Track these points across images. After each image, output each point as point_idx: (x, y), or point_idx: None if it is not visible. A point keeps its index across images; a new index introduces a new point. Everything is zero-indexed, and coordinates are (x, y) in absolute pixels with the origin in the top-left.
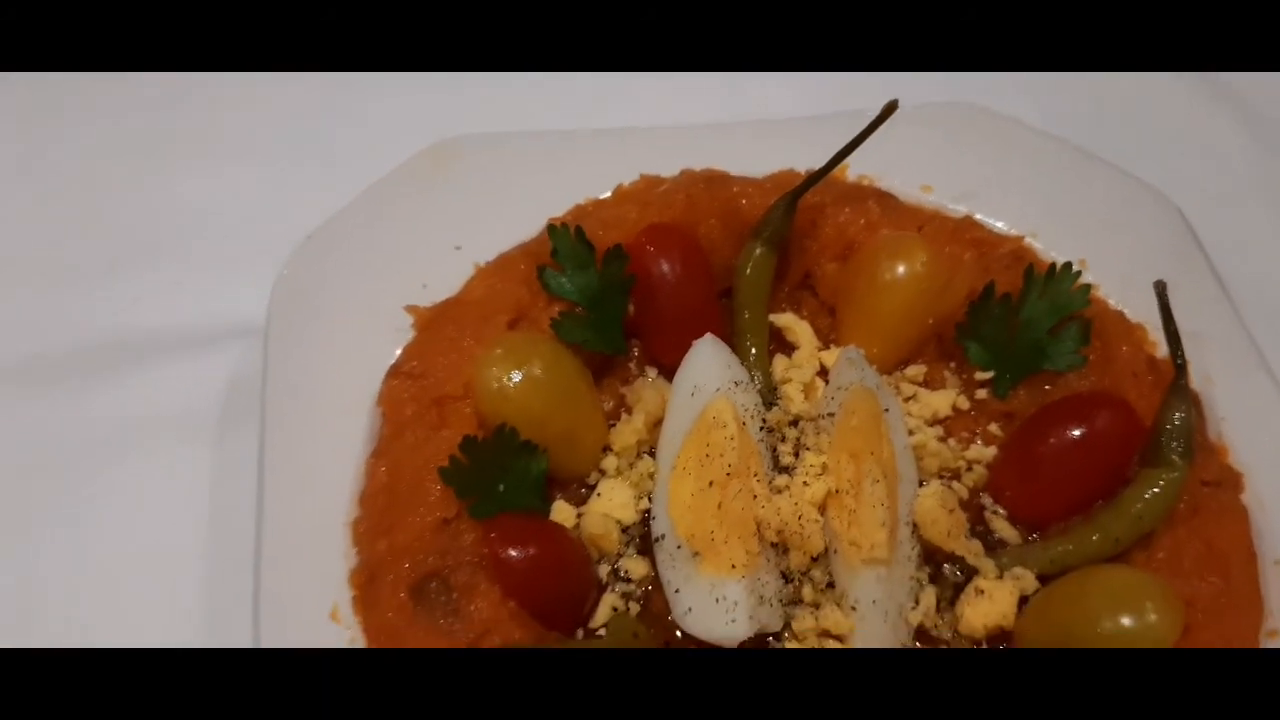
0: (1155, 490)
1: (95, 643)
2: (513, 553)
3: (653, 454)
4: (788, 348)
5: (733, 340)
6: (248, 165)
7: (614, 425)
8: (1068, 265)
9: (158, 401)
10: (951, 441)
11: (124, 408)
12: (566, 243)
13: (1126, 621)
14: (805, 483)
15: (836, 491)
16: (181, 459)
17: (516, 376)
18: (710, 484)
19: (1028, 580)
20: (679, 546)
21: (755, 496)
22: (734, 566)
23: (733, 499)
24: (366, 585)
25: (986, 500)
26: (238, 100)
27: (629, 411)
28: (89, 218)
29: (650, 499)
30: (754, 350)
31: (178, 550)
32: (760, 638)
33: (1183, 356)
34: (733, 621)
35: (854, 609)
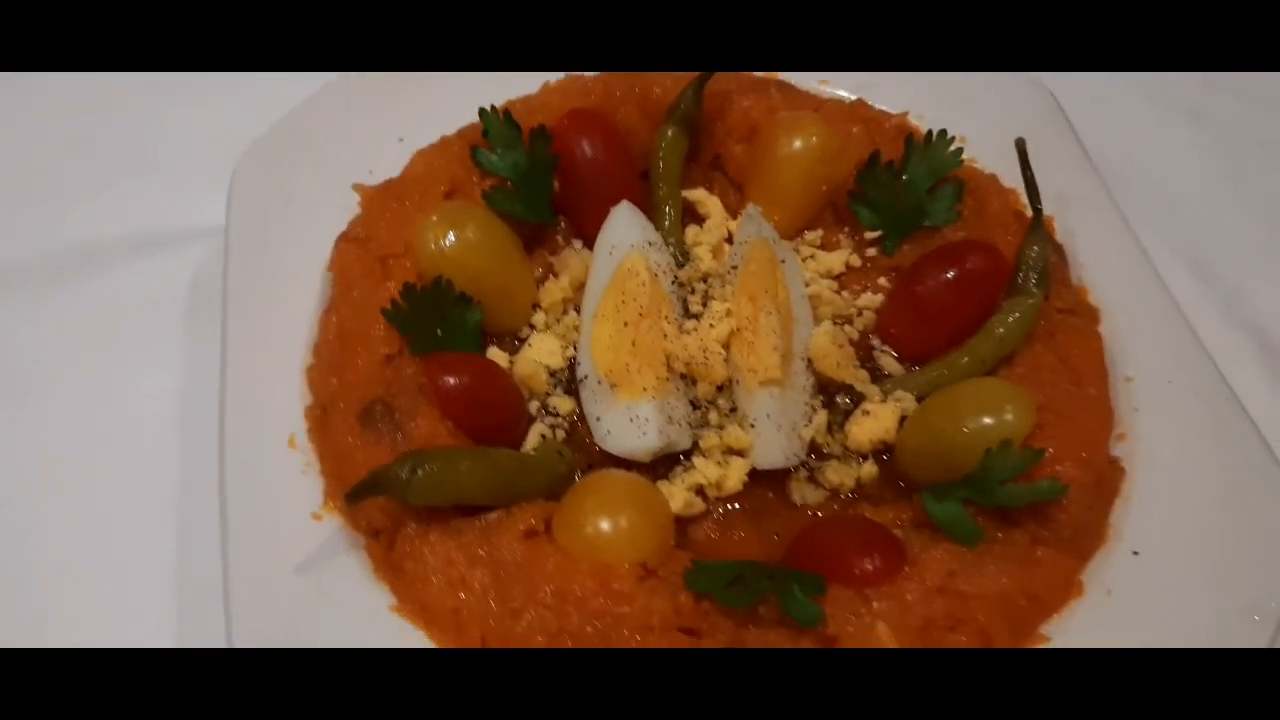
0: (1015, 316)
1: (74, 502)
2: (450, 379)
3: (578, 311)
4: (700, 220)
5: (650, 213)
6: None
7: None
8: (943, 132)
9: (132, 293)
10: (845, 293)
11: (101, 299)
12: (496, 124)
13: (988, 420)
14: (711, 324)
15: (738, 330)
16: (156, 340)
17: (452, 237)
18: (625, 325)
19: (908, 401)
20: (599, 381)
21: (666, 335)
22: (645, 390)
23: (644, 335)
24: (320, 418)
25: (875, 341)
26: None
27: (556, 276)
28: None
29: (575, 348)
30: (668, 220)
31: (152, 415)
32: (672, 456)
33: (1039, 202)
34: (644, 435)
35: (752, 426)
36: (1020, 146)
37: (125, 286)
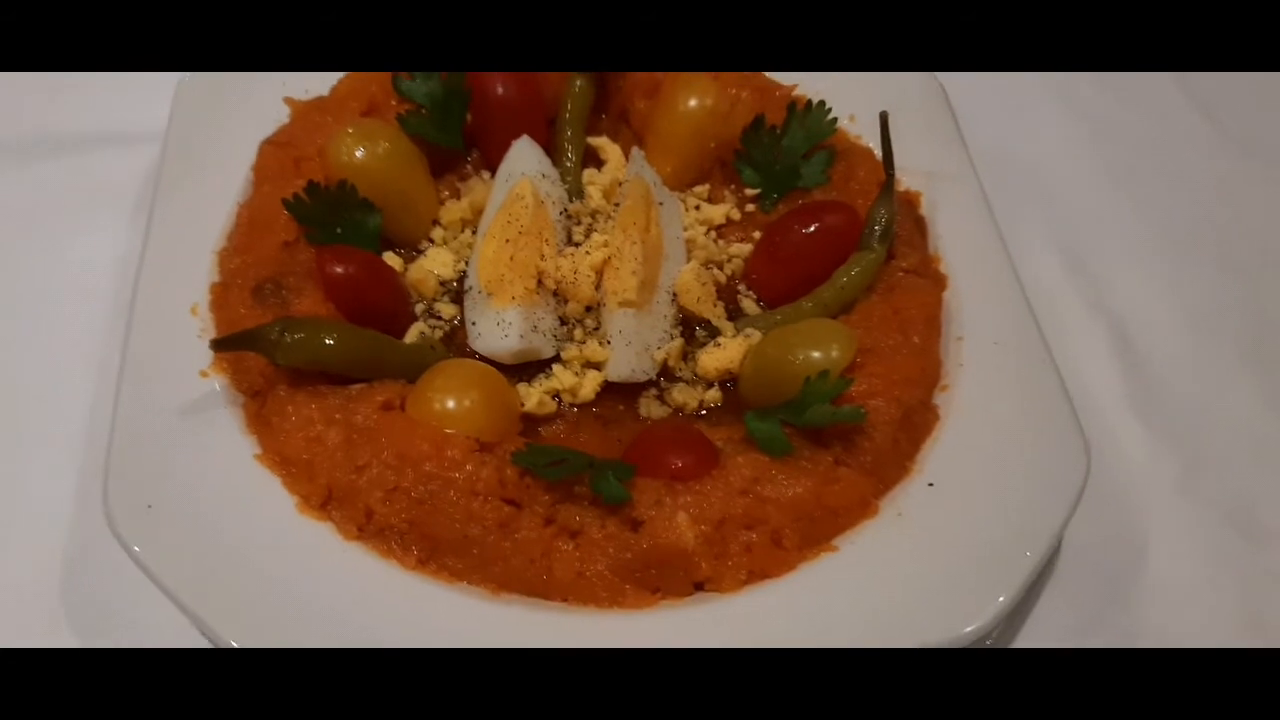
0: (856, 269)
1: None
2: (337, 268)
3: (475, 232)
4: (601, 165)
5: (554, 155)
6: None
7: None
8: (822, 103)
9: (73, 186)
10: (720, 242)
11: (42, 190)
12: None
13: (815, 354)
14: (587, 252)
15: (610, 259)
16: (97, 224)
17: (361, 148)
18: (507, 241)
19: (756, 337)
20: (480, 292)
21: (543, 256)
22: (514, 299)
23: (521, 251)
24: (222, 293)
25: (741, 286)
26: None
27: (461, 199)
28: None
29: (467, 264)
30: (569, 162)
31: (90, 289)
32: (538, 364)
33: (892, 168)
34: (505, 337)
35: (609, 343)
36: (883, 118)
37: (75, 171)
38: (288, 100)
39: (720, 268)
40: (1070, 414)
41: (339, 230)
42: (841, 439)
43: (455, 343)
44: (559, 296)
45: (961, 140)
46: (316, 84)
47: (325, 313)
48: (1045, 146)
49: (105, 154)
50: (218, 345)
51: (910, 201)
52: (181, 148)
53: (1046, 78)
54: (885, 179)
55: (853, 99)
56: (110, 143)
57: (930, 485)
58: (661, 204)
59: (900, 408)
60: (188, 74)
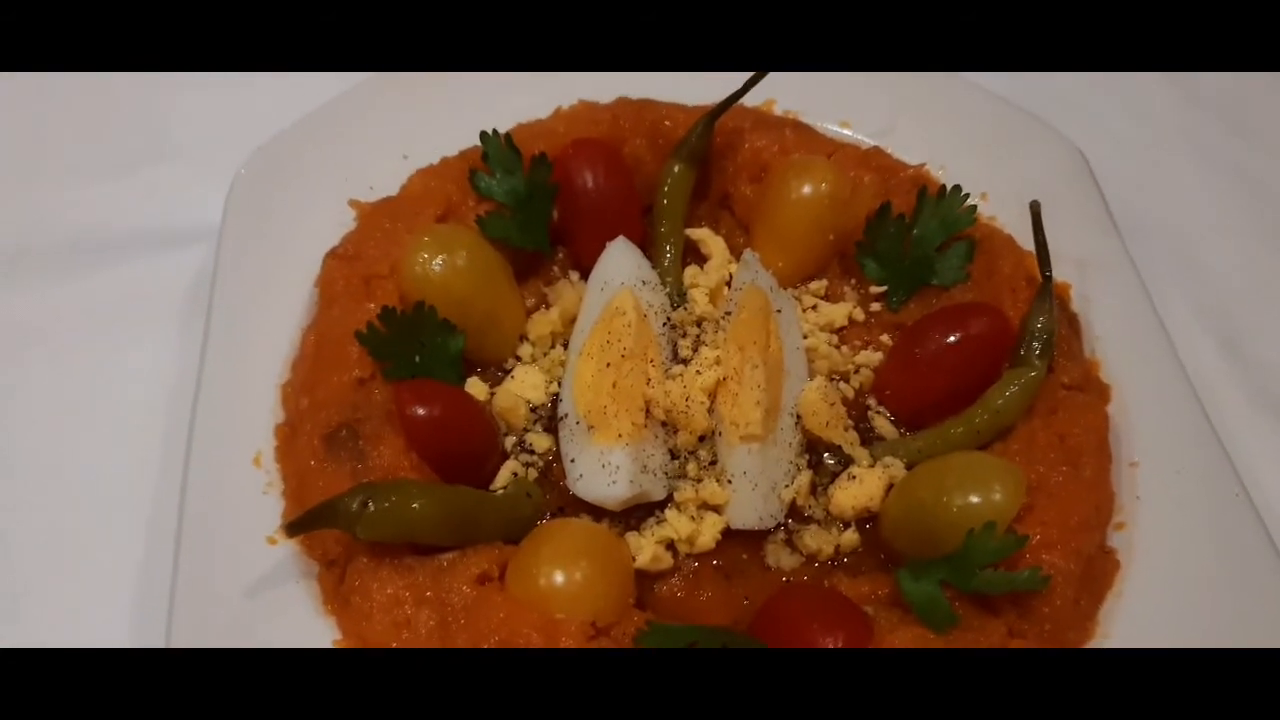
0: (1014, 387)
1: (51, 486)
2: (419, 409)
3: (567, 346)
4: (702, 260)
5: (649, 250)
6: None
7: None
8: (957, 188)
9: (124, 294)
10: (845, 348)
11: (93, 299)
12: (496, 148)
13: (974, 498)
14: (698, 371)
15: (724, 380)
16: (148, 336)
17: (439, 260)
18: (608, 365)
19: (897, 468)
20: (578, 422)
21: (649, 379)
22: (620, 436)
23: (626, 377)
24: (289, 437)
25: (871, 401)
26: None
27: (549, 308)
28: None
29: (559, 384)
30: (668, 259)
31: (139, 410)
32: (645, 505)
33: (1049, 269)
34: (613, 483)
35: (730, 482)
36: (1034, 210)
37: (125, 280)
38: (352, 203)
39: (846, 379)
40: (1276, 563)
41: (417, 360)
42: (1013, 602)
43: (550, 479)
44: (667, 426)
45: (1111, 219)
46: (383, 182)
47: (407, 461)
48: (1188, 211)
49: (153, 256)
50: (293, 529)
51: (1060, 296)
52: (236, 255)
53: (1174, 128)
54: (1041, 280)
55: (982, 173)
56: (159, 243)
57: None
58: (779, 311)
59: (1080, 560)
60: (243, 168)
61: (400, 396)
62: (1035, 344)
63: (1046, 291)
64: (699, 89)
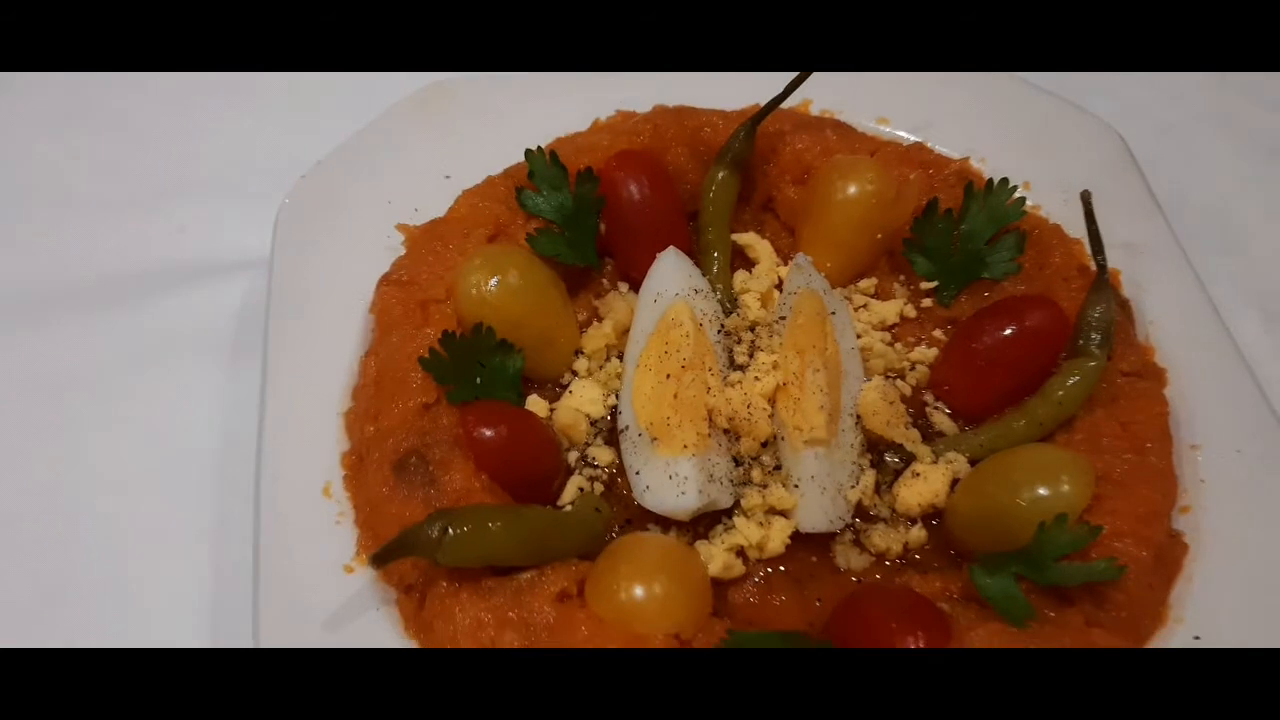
0: (1075, 378)
1: (118, 513)
2: (485, 431)
3: (621, 357)
4: (750, 265)
5: (697, 257)
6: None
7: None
8: (1004, 180)
9: (165, 332)
10: (898, 345)
11: (133, 338)
12: (541, 165)
13: (1043, 491)
14: (756, 377)
15: (784, 384)
16: (198, 373)
17: (493, 282)
18: (668, 376)
19: (960, 464)
20: (640, 434)
21: (709, 388)
22: (685, 447)
23: (687, 388)
24: (356, 465)
25: (928, 397)
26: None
27: (601, 321)
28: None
29: (617, 396)
30: (716, 265)
31: (193, 449)
32: (713, 514)
33: (1104, 258)
34: (682, 494)
35: (796, 486)
36: (1086, 200)
37: (164, 316)
38: (400, 227)
39: (902, 377)
40: None
41: (479, 381)
42: (1088, 592)
43: (615, 491)
44: (729, 433)
45: (1156, 202)
46: (428, 204)
47: (477, 486)
48: (1229, 191)
49: (189, 291)
50: (377, 561)
51: (1111, 282)
52: (288, 286)
53: (1210, 109)
54: (1096, 271)
55: (1023, 162)
56: (193, 276)
57: (1196, 639)
58: (833, 313)
59: (1152, 548)
60: (287, 198)
61: (466, 420)
62: (1095, 334)
63: (1103, 281)
64: (727, 90)
